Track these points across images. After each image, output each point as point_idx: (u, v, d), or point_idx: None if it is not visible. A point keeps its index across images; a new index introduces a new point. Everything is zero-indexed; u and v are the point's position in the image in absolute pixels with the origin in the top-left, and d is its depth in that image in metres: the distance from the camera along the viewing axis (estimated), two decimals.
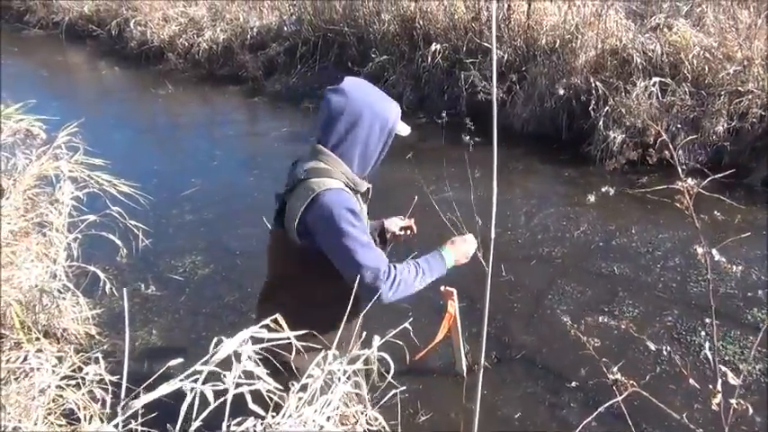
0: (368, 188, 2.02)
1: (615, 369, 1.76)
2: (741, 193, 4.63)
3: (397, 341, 1.81)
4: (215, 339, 1.31)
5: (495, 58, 1.27)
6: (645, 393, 1.78)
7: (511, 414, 2.79)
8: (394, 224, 2.33)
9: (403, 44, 7.43)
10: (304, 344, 1.63)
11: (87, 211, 3.41)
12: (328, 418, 1.47)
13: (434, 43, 6.90)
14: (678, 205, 1.58)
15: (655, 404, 2.70)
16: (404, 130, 1.98)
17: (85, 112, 5.22)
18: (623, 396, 1.70)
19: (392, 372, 1.80)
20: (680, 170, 1.70)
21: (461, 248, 2.06)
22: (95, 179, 3.40)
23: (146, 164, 6.08)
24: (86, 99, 9.14)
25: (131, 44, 10.87)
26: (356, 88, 1.94)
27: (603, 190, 1.89)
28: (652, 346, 1.88)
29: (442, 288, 2.85)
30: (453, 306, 2.84)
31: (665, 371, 2.94)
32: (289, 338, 1.46)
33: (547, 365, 3.08)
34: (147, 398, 1.28)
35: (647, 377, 2.89)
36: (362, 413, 1.66)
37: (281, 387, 1.40)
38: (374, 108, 1.92)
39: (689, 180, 1.58)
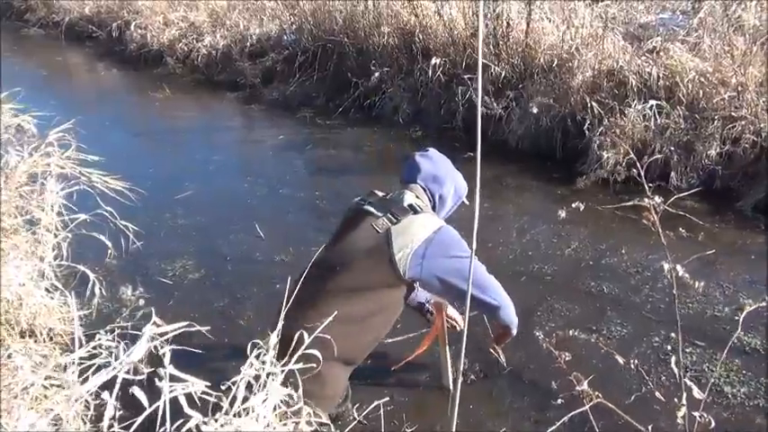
0: None
1: (584, 381, 1.83)
2: (731, 218, 4.66)
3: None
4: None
5: (480, 64, 1.29)
6: (609, 405, 1.84)
7: (496, 429, 2.79)
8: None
9: (402, 57, 7.46)
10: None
11: (78, 211, 3.40)
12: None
13: (434, 57, 6.94)
14: (645, 222, 1.66)
15: (645, 420, 2.71)
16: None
17: (82, 112, 5.23)
18: (588, 406, 1.83)
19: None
20: (647, 187, 1.82)
21: None
22: (86, 175, 3.40)
23: (140, 166, 6.07)
24: (84, 99, 9.14)
25: (131, 47, 10.88)
26: (455, 173, 2.61)
27: (573, 205, 1.97)
28: (620, 360, 2.01)
29: (432, 300, 2.86)
30: (441, 319, 2.85)
31: (647, 389, 2.95)
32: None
33: (534, 381, 3.08)
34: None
35: (632, 397, 2.89)
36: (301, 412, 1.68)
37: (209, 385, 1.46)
38: (460, 182, 2.62)
39: (656, 198, 1.73)
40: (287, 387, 1.65)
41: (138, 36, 10.83)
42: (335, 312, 1.97)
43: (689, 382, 1.71)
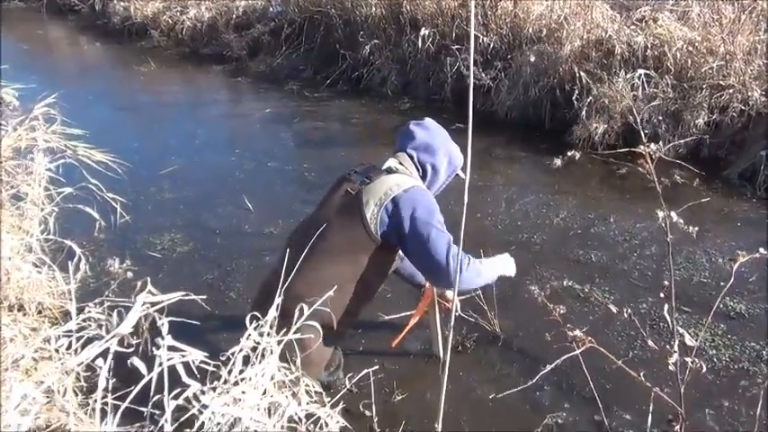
0: None
1: (576, 329, 1.86)
2: (719, 186, 4.69)
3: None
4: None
5: (472, 35, 1.27)
6: (602, 350, 1.86)
7: (485, 395, 2.82)
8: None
9: (390, 28, 7.40)
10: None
11: (64, 183, 3.37)
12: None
13: (423, 28, 6.87)
14: (640, 169, 1.63)
15: (624, 387, 2.75)
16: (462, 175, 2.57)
17: (65, 87, 5.16)
18: (581, 350, 1.81)
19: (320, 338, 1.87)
20: (643, 134, 1.78)
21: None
22: (71, 149, 3.36)
23: (126, 140, 6.01)
24: (67, 74, 9.01)
25: (114, 20, 10.73)
26: (451, 142, 2.56)
27: (570, 153, 1.98)
28: (613, 309, 2.02)
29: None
30: (432, 288, 2.86)
31: (640, 343, 3.01)
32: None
33: (522, 349, 3.11)
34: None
35: (625, 352, 2.93)
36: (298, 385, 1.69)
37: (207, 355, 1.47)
38: (456, 153, 2.56)
39: (651, 145, 1.67)
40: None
41: (121, 9, 10.67)
42: (316, 277, 1.98)
43: (681, 330, 1.76)
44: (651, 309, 3.35)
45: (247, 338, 1.60)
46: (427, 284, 2.85)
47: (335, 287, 2.03)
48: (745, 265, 3.70)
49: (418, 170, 2.48)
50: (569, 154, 1.93)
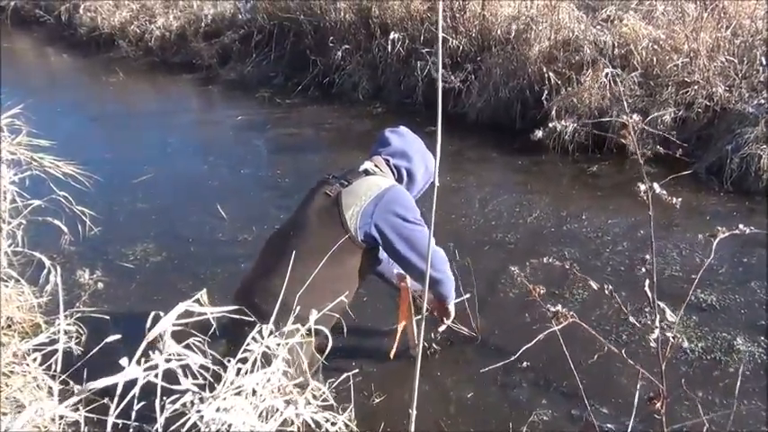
0: None
1: (558, 305, 1.79)
2: (686, 181, 4.76)
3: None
4: (152, 314, 1.30)
5: (440, 37, 1.28)
6: (583, 324, 1.83)
7: (463, 394, 2.83)
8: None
9: (360, 33, 7.40)
10: None
11: (30, 198, 3.31)
12: (270, 390, 1.47)
13: (392, 32, 6.89)
14: (623, 140, 1.61)
15: (601, 381, 2.78)
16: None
17: (32, 98, 5.06)
18: (562, 326, 1.75)
19: (330, 345, 1.83)
20: (626, 104, 1.77)
21: None
22: (38, 161, 3.30)
23: (96, 151, 5.93)
24: (34, 86, 8.85)
25: (81, 31, 10.59)
26: (426, 152, 2.58)
27: (551, 125, 1.98)
28: (594, 285, 1.92)
29: (396, 271, 2.87)
30: (407, 290, 2.86)
31: (620, 346, 3.02)
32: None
33: (499, 347, 3.12)
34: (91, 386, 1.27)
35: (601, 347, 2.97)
36: (303, 386, 1.67)
37: (209, 361, 1.43)
38: (431, 162, 2.56)
39: (634, 116, 1.65)
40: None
41: (87, 19, 10.53)
42: (296, 278, 1.97)
43: (662, 305, 1.74)
44: (624, 304, 3.38)
45: (249, 344, 1.57)
46: (402, 285, 2.86)
47: (317, 288, 2.03)
48: (715, 258, 3.78)
49: (394, 174, 2.50)
50: (551, 125, 1.94)
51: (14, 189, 3.32)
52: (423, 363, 2.99)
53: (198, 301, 1.44)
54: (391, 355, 2.98)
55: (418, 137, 2.63)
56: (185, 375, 1.39)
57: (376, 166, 2.44)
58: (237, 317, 1.65)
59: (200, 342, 1.50)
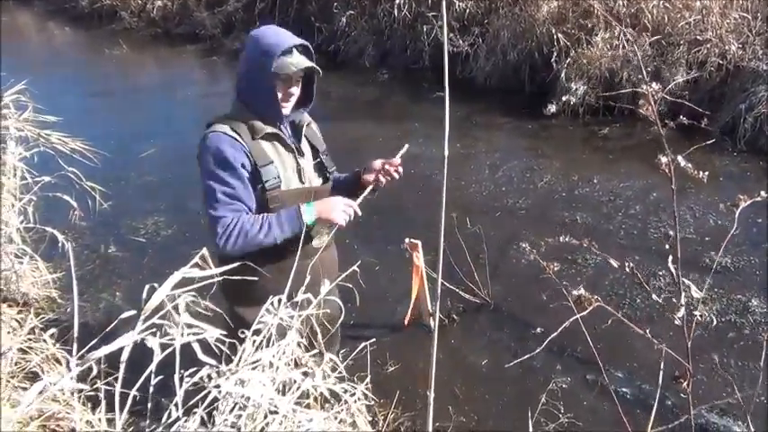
0: (284, 128, 1.93)
1: (580, 287, 1.68)
2: (700, 141, 4.69)
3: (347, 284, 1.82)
4: (147, 286, 1.29)
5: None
6: (608, 308, 1.67)
7: (477, 361, 2.83)
8: (374, 168, 2.07)
9: None
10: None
11: (39, 174, 3.30)
12: (285, 362, 1.47)
13: None
14: (642, 111, 1.48)
15: (615, 346, 2.78)
16: (298, 64, 1.83)
17: (36, 74, 5.03)
18: (587, 311, 1.63)
19: (343, 315, 1.81)
20: (644, 72, 1.66)
21: (326, 204, 1.89)
22: (45, 137, 3.29)
23: (101, 126, 5.90)
24: (37, 60, 8.80)
25: (82, 3, 10.51)
26: (257, 32, 1.88)
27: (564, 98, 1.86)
28: (614, 263, 1.76)
29: (407, 240, 2.86)
30: (419, 258, 2.85)
31: (625, 311, 3.02)
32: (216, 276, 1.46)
33: (512, 314, 3.12)
34: (100, 352, 1.26)
35: (626, 308, 2.96)
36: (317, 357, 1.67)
37: (226, 334, 1.40)
38: (259, 43, 1.84)
39: (653, 84, 1.48)
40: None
41: None
42: None
43: (687, 281, 1.63)
44: (638, 266, 3.37)
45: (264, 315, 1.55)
46: (415, 257, 2.85)
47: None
48: (728, 220, 3.75)
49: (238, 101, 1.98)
50: (564, 99, 1.82)
51: (23, 166, 3.31)
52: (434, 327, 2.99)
53: (197, 264, 1.42)
54: (406, 322, 2.99)
55: (270, 28, 1.98)
56: (201, 349, 1.38)
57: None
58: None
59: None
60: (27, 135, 3.35)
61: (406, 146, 2.11)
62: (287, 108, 1.90)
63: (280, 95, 1.86)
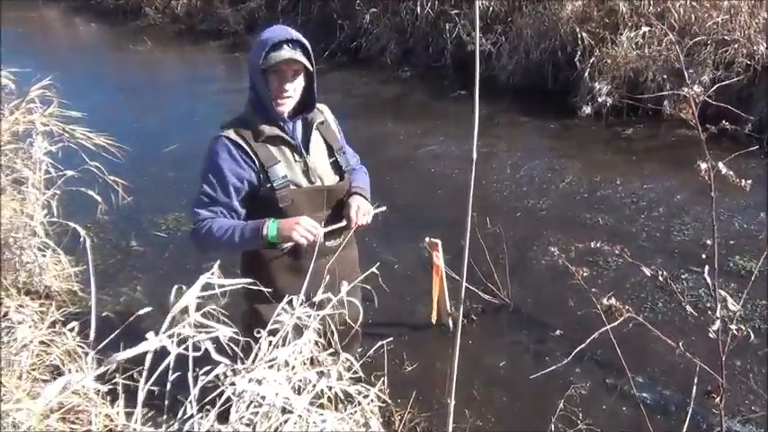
0: (289, 127, 1.93)
1: (610, 296, 1.61)
2: (727, 144, 4.62)
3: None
4: (174, 288, 1.30)
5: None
6: (640, 319, 1.61)
7: (495, 363, 2.81)
8: (350, 205, 2.00)
9: None
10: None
11: (63, 168, 3.34)
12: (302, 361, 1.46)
13: None
14: (683, 114, 1.43)
15: (640, 348, 2.74)
16: (283, 54, 1.81)
17: (62, 69, 5.09)
18: (619, 321, 1.57)
19: (361, 316, 1.81)
20: (686, 74, 1.55)
21: (289, 222, 1.87)
22: (69, 132, 3.32)
23: (125, 121, 5.97)
24: (63, 56, 8.93)
25: None
26: (262, 31, 1.90)
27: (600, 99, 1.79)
28: (647, 272, 1.69)
29: (427, 239, 2.85)
30: (439, 258, 2.84)
31: (647, 315, 2.97)
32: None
33: (531, 315, 3.09)
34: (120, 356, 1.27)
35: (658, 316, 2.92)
36: (334, 357, 1.66)
37: (236, 332, 1.41)
38: (257, 41, 1.85)
39: (695, 87, 1.43)
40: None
41: None
42: None
43: (723, 293, 1.56)
44: (660, 270, 3.32)
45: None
46: (434, 256, 2.83)
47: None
48: (753, 223, 3.68)
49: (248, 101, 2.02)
50: (600, 100, 1.73)
51: (49, 160, 3.35)
52: (455, 332, 2.98)
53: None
54: (433, 321, 2.98)
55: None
56: (216, 349, 1.38)
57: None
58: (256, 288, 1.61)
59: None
60: (52, 130, 3.38)
61: (384, 208, 2.12)
62: (283, 106, 1.88)
63: (273, 91, 1.85)
